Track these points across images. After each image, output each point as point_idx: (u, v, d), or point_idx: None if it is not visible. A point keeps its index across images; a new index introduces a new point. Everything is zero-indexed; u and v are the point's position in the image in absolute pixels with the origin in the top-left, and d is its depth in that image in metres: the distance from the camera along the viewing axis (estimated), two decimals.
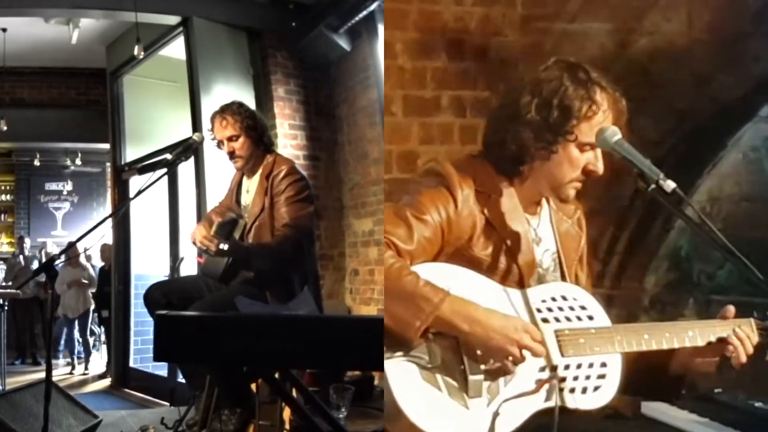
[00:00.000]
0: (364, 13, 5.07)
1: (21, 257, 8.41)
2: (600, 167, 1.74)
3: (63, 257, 2.90)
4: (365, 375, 4.21)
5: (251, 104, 4.87)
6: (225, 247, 2.70)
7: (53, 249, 8.62)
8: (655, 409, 1.96)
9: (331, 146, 5.90)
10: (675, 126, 2.76)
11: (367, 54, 5.40)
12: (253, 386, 2.85)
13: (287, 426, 2.80)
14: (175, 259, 5.78)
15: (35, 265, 8.25)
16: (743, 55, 2.63)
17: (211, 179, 5.15)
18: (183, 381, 5.21)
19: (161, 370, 6.10)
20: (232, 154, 2.99)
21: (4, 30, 6.54)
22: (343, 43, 5.42)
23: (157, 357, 1.57)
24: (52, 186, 9.57)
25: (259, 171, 3.01)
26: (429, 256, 1.70)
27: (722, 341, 1.77)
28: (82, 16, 5.99)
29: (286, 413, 2.77)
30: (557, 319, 1.72)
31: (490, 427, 1.60)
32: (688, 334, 1.77)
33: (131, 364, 6.72)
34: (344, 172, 5.87)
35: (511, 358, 1.60)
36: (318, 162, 5.78)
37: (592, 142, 1.70)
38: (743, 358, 1.76)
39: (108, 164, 8.05)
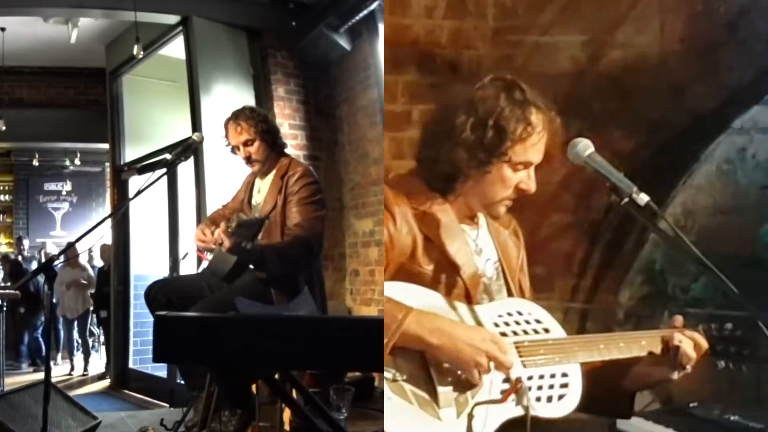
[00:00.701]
0: (365, 12, 5.06)
1: (20, 258, 8.39)
2: (532, 186, 1.75)
3: (62, 258, 2.88)
4: (365, 376, 4.19)
5: (251, 104, 4.84)
6: (249, 245, 2.69)
7: (53, 250, 8.60)
8: (631, 423, 1.99)
9: (332, 146, 5.89)
10: (648, 138, 2.76)
11: (367, 53, 5.39)
12: (253, 387, 2.84)
13: (287, 427, 2.79)
14: (174, 259, 5.77)
15: (34, 265, 8.24)
16: (717, 65, 2.64)
17: (211, 179, 5.14)
18: (182, 382, 5.22)
19: (161, 371, 6.08)
20: (248, 159, 3.03)
21: (3, 29, 6.53)
22: (344, 43, 5.41)
23: (157, 358, 1.55)
24: (51, 186, 9.58)
25: (274, 172, 3.04)
26: (388, 275, 1.71)
27: (673, 349, 1.78)
28: (82, 16, 5.99)
29: (286, 414, 2.76)
30: (515, 333, 1.73)
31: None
32: (641, 343, 1.78)
33: (130, 365, 6.70)
34: (345, 172, 5.86)
35: (479, 369, 1.60)
36: (318, 162, 5.77)
37: (526, 161, 1.71)
38: (693, 356, 1.75)
39: (107, 164, 8.05)
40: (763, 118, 2.78)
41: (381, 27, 5.05)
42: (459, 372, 1.61)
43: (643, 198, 1.57)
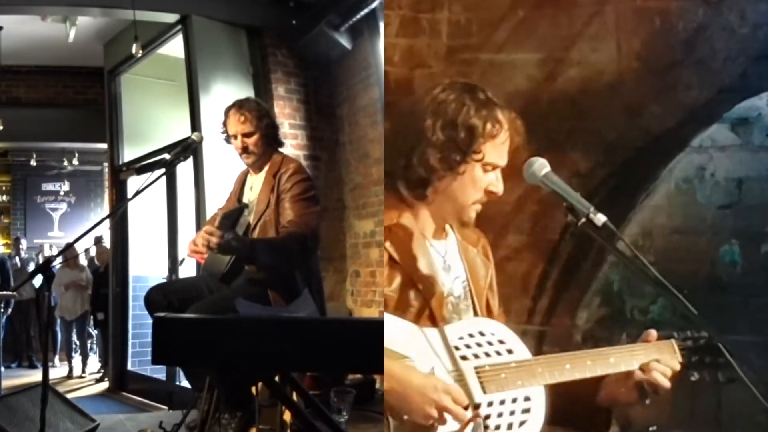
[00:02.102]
0: (366, 11, 5.05)
1: (17, 259, 8.36)
2: (500, 188, 1.76)
3: (60, 258, 2.88)
4: (366, 378, 4.20)
5: None
6: (230, 236, 2.65)
7: (51, 253, 8.58)
8: None
9: (332, 146, 5.88)
10: (606, 158, 2.74)
11: (368, 52, 5.38)
12: (253, 389, 2.82)
13: (288, 430, 2.77)
14: (173, 260, 5.76)
15: (32, 266, 8.22)
16: (674, 84, 2.62)
17: (210, 180, 5.12)
18: (181, 384, 5.20)
19: (160, 373, 6.07)
20: (245, 150, 2.98)
21: (0, 28, 6.50)
22: (344, 42, 5.40)
23: (156, 360, 1.52)
24: (48, 186, 9.56)
25: (266, 168, 3.00)
26: None
27: (643, 368, 1.75)
28: (80, 14, 5.98)
29: (287, 417, 2.74)
30: (476, 356, 1.70)
31: None
32: (610, 361, 1.74)
33: (129, 367, 6.68)
34: (345, 172, 5.84)
35: (429, 419, 1.56)
36: (319, 162, 5.76)
37: (495, 163, 1.72)
38: (666, 384, 1.72)
39: (105, 164, 8.06)
40: (722, 137, 2.78)
41: (382, 25, 5.03)
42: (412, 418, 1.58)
43: (600, 218, 1.56)
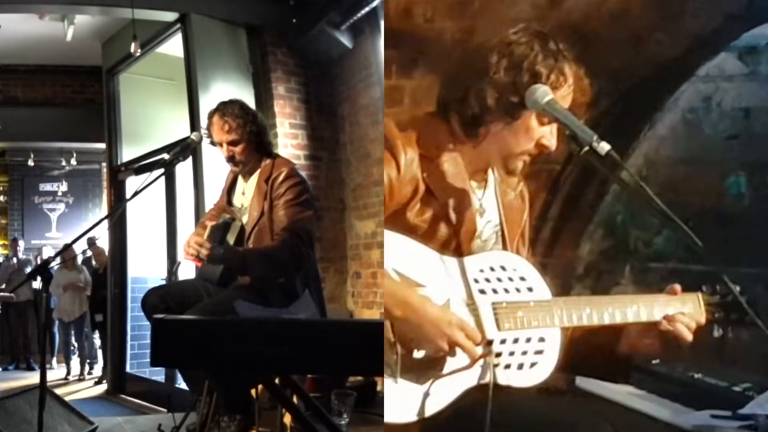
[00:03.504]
0: (367, 9, 5.02)
1: (14, 260, 8.34)
2: (553, 144, 1.72)
3: (58, 260, 2.86)
4: (367, 380, 4.18)
5: (251, 103, 4.82)
6: (220, 251, 2.63)
7: (49, 253, 8.56)
8: (591, 382, 1.94)
9: (333, 146, 5.85)
10: (610, 87, 2.69)
11: (369, 51, 5.35)
12: (253, 392, 2.80)
13: None
14: (172, 262, 5.74)
15: (30, 268, 8.19)
16: (680, 12, 2.57)
17: (210, 180, 5.09)
18: (180, 387, 5.16)
19: (159, 375, 6.05)
20: (231, 159, 2.93)
21: None
22: (345, 40, 5.38)
23: (155, 362, 1.55)
24: (46, 187, 9.56)
25: (257, 173, 2.94)
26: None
27: (668, 319, 1.74)
28: (78, 13, 5.96)
29: (287, 419, 2.72)
30: (495, 291, 1.69)
31: (420, 406, 1.57)
32: (632, 309, 1.73)
33: (128, 369, 6.65)
34: (346, 172, 5.82)
35: (440, 351, 1.57)
36: (319, 162, 5.74)
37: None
38: (689, 338, 1.72)
39: (104, 164, 8.05)
40: (729, 66, 2.71)
41: (383, 24, 5.01)
42: (423, 350, 1.58)
43: (604, 147, 1.52)
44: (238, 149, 2.89)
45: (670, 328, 1.70)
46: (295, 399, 2.01)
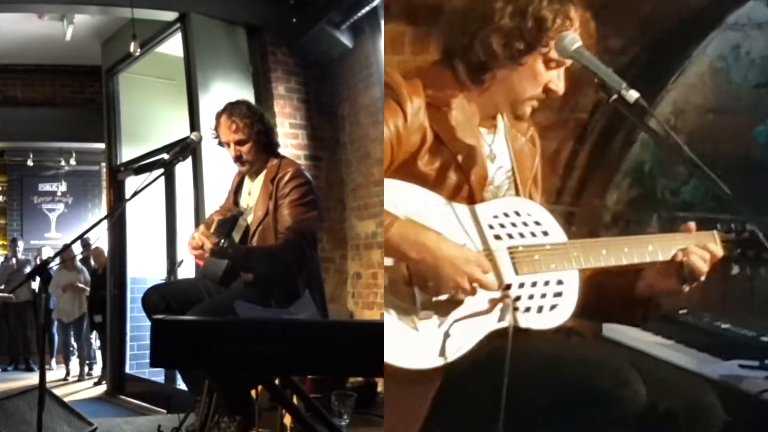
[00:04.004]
0: (367, 8, 5.01)
1: (14, 260, 8.33)
2: (561, 87, 1.73)
3: (57, 260, 2.87)
4: (368, 381, 4.19)
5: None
6: (225, 243, 2.64)
7: (49, 254, 8.55)
8: (617, 330, 1.94)
9: (333, 146, 5.85)
10: (638, 34, 2.68)
11: (369, 51, 5.35)
12: (253, 393, 2.79)
13: None
14: (172, 262, 5.73)
15: (29, 268, 8.18)
16: None
17: (210, 180, 5.08)
18: (180, 387, 5.15)
19: (158, 376, 6.04)
20: (238, 158, 2.95)
21: None
22: (346, 40, 5.37)
23: (154, 363, 1.55)
24: (45, 187, 9.55)
25: (263, 173, 2.96)
26: (385, 172, 1.67)
27: (683, 252, 1.72)
28: (77, 12, 5.95)
29: (287, 420, 2.72)
30: (510, 236, 1.69)
31: (440, 349, 1.57)
32: (648, 249, 1.72)
33: (127, 369, 6.64)
34: (346, 172, 5.82)
35: (460, 290, 1.56)
36: (319, 162, 5.73)
37: (559, 59, 1.69)
38: (704, 269, 1.70)
39: (103, 164, 8.03)
40: (759, 14, 2.68)
41: (383, 24, 5.00)
42: (441, 290, 1.58)
43: (632, 95, 1.52)
44: (245, 149, 2.92)
45: (685, 260, 1.69)
46: (295, 400, 2.01)
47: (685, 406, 1.57)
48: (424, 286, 1.58)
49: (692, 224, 1.77)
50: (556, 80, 1.72)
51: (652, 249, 1.72)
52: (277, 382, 1.81)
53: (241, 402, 2.75)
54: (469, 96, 1.75)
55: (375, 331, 1.52)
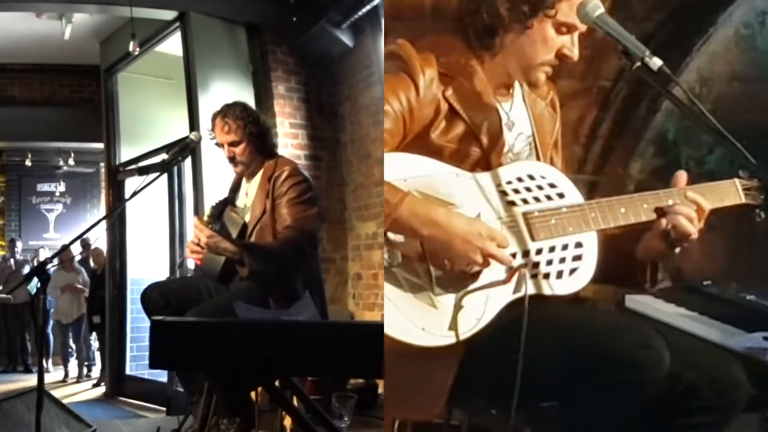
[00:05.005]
0: (368, 8, 5.02)
1: (12, 261, 8.32)
2: (575, 53, 1.70)
3: (56, 261, 2.87)
4: (368, 383, 4.18)
5: (250, 102, 4.82)
6: (217, 226, 2.68)
7: (46, 255, 8.54)
8: (640, 302, 1.90)
9: (334, 146, 5.84)
10: (662, 0, 2.65)
11: (370, 50, 5.35)
12: (253, 394, 2.78)
13: None
14: (173, 262, 5.71)
15: (27, 269, 8.16)
16: None
17: (209, 180, 5.08)
18: (179, 389, 5.12)
19: (158, 376, 6.00)
20: (232, 159, 2.97)
21: None
22: (346, 39, 5.37)
23: (154, 364, 1.56)
24: (44, 187, 9.53)
25: (260, 173, 2.97)
26: (391, 147, 1.64)
27: (667, 210, 1.70)
28: (76, 11, 5.95)
29: (287, 422, 2.72)
30: (525, 201, 1.67)
31: (460, 323, 1.56)
32: (668, 203, 1.70)
33: (127, 371, 6.63)
34: (347, 172, 5.81)
35: (473, 264, 1.54)
36: (320, 162, 5.73)
37: (570, 24, 1.66)
38: (690, 231, 1.67)
39: (102, 164, 8.03)
40: None
41: (384, 23, 4.99)
42: (455, 266, 1.56)
43: (656, 62, 1.49)
44: (238, 150, 2.93)
45: (671, 222, 1.67)
46: (295, 401, 2.01)
47: (710, 379, 1.55)
48: (440, 264, 1.56)
49: (683, 173, 1.75)
50: (570, 46, 1.70)
51: (671, 203, 1.70)
52: (277, 383, 1.82)
53: (240, 404, 2.74)
54: (480, 62, 1.74)
55: (376, 333, 1.51)
